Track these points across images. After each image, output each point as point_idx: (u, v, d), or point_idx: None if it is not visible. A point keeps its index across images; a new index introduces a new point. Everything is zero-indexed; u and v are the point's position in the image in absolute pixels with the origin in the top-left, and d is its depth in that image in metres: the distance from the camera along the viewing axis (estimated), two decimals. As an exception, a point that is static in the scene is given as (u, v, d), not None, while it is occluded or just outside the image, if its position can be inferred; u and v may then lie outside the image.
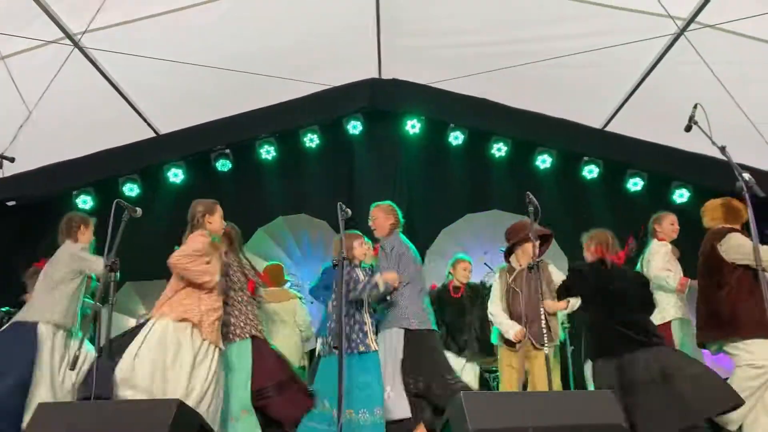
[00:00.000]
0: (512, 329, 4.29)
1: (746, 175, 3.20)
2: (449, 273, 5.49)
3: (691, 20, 5.20)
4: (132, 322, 6.30)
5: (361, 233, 4.48)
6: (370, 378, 4.02)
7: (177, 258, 3.66)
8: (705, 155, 6.31)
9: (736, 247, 4.01)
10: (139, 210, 3.72)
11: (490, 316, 4.58)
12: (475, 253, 6.44)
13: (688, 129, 3.58)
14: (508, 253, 4.64)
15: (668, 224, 4.92)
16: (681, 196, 6.84)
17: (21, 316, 4.34)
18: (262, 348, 4.07)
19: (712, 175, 6.20)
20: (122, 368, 3.42)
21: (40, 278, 4.42)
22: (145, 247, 5.50)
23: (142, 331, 3.60)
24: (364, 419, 3.91)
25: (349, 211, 3.85)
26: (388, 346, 4.24)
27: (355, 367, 3.98)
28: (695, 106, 3.54)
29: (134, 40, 5.47)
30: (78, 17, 5.11)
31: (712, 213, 4.33)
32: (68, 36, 5.30)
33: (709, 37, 5.27)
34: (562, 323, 4.89)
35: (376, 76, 6.86)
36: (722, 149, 3.40)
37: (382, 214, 4.55)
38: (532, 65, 6.00)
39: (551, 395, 3.10)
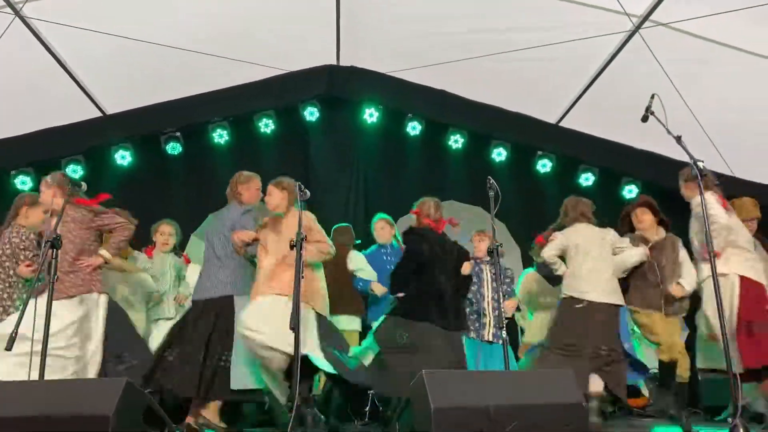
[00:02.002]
0: None
1: (700, 163, 3.30)
2: None
3: (646, 17, 5.34)
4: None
5: None
6: None
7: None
8: (654, 152, 6.51)
9: None
10: (84, 185, 3.54)
11: None
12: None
13: (644, 119, 3.66)
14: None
15: None
16: (630, 191, 7.00)
17: None
18: None
19: (660, 172, 6.39)
20: None
21: None
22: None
23: None
24: None
25: (308, 192, 3.75)
26: None
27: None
28: (652, 96, 3.62)
29: (82, 12, 5.21)
30: (20, -16, 4.85)
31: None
32: (9, 4, 5.00)
33: (662, 34, 5.42)
34: None
35: (335, 62, 6.77)
36: (678, 139, 3.48)
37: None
38: (490, 58, 6.03)
39: (511, 374, 3.11)
